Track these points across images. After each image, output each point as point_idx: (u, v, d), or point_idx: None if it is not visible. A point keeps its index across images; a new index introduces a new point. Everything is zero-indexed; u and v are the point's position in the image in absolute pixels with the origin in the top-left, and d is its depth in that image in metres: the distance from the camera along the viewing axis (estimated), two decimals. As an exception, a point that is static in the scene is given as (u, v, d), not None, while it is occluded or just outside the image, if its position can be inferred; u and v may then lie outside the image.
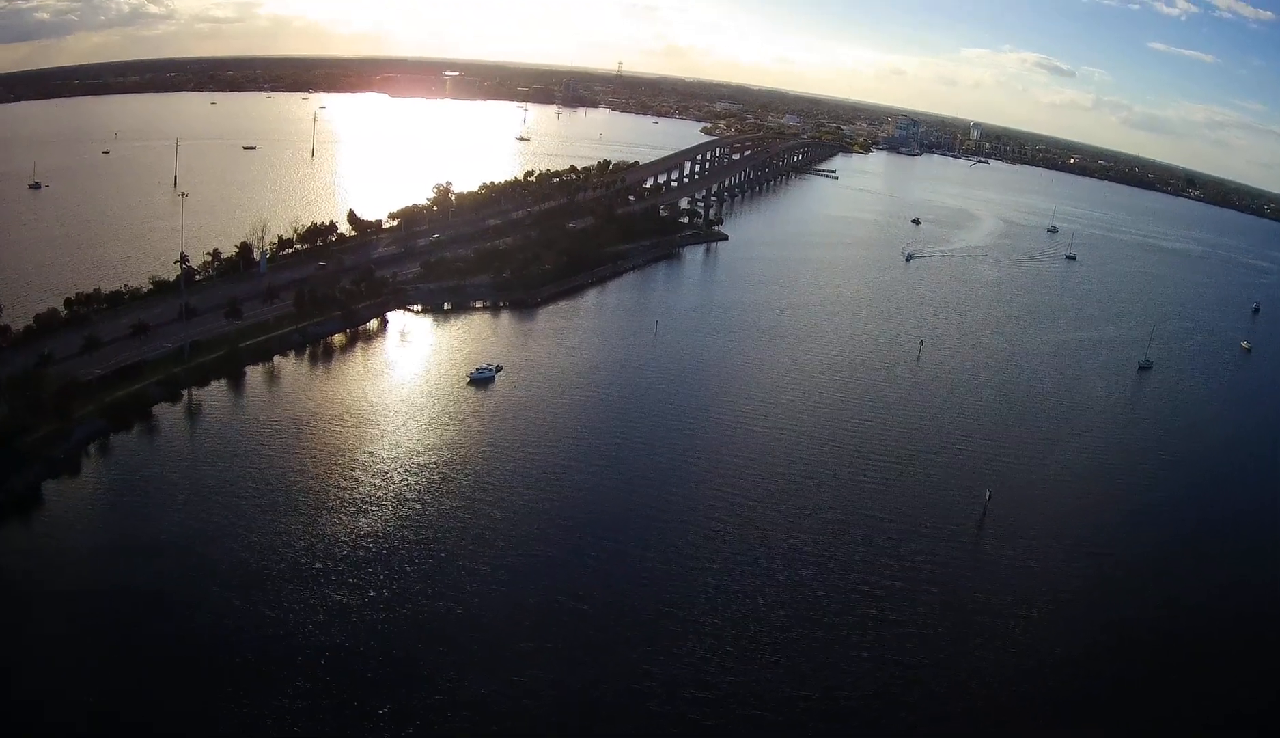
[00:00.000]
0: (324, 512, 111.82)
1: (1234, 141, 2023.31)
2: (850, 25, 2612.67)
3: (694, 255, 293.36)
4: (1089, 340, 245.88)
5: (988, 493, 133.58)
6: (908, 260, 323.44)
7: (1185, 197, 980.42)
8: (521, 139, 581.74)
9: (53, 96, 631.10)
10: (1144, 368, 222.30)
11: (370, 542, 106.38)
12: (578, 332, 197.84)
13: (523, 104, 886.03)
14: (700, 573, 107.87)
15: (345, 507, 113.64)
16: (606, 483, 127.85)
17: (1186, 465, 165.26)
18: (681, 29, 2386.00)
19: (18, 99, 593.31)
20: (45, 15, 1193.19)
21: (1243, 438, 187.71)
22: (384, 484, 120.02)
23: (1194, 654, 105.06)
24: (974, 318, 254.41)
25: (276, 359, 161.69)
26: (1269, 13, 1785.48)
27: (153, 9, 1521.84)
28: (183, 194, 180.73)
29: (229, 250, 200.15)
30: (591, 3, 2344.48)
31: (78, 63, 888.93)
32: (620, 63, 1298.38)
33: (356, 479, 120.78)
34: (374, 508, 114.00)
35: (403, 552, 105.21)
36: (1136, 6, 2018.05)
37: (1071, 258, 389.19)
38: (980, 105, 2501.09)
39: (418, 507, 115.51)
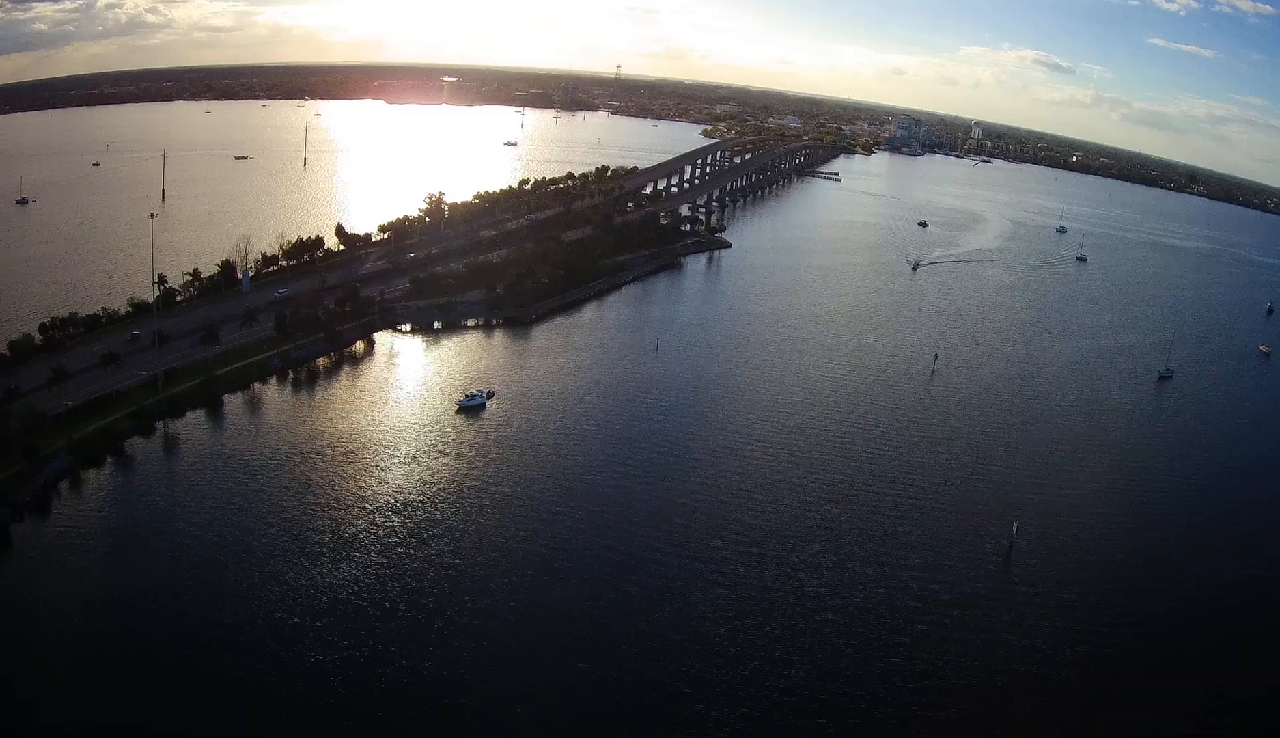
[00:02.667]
0: (302, 558, 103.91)
1: (1234, 136, 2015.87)
2: (850, 25, 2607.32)
3: (696, 265, 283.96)
4: (1107, 348, 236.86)
5: (1014, 526, 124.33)
6: (914, 269, 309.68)
7: (1189, 193, 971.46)
8: (509, 144, 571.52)
9: (48, 107, 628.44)
10: (1165, 377, 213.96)
11: (351, 593, 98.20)
12: (574, 350, 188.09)
13: (520, 109, 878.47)
14: (710, 623, 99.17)
15: (325, 552, 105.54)
16: (605, 523, 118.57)
17: (1219, 485, 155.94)
18: (682, 31, 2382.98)
19: (13, 110, 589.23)
20: (43, 26, 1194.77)
21: (1273, 452, 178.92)
22: (366, 526, 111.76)
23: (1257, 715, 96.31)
24: (988, 326, 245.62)
25: (256, 386, 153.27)
26: (1269, 7, 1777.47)
27: (151, 19, 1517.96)
28: (152, 215, 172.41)
29: (213, 268, 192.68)
30: (591, 6, 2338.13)
31: (75, 73, 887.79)
32: (619, 66, 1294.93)
33: (337, 521, 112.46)
34: (355, 554, 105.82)
35: (385, 604, 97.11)
36: (1136, 2, 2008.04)
37: (1083, 259, 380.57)
38: (980, 103, 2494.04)
39: (401, 552, 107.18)
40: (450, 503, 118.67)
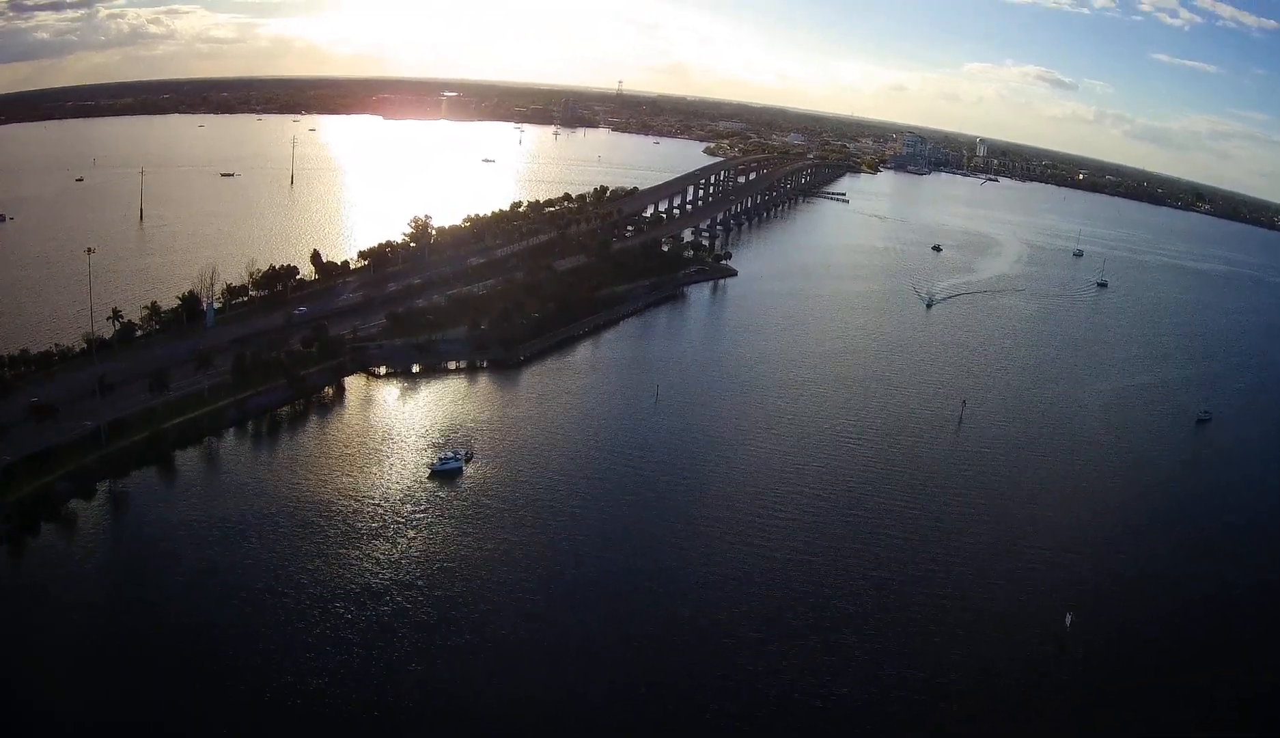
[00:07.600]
0: (251, 652, 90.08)
1: (1236, 152, 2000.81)
2: (851, 41, 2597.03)
3: (700, 295, 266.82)
4: (1140, 388, 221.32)
5: (1068, 617, 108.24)
6: (929, 307, 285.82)
7: (1196, 211, 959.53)
8: (487, 161, 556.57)
9: (45, 118, 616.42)
10: (1203, 420, 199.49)
11: (300, 709, 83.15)
12: (564, 399, 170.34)
13: (520, 125, 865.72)
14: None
15: (274, 650, 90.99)
16: (595, 615, 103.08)
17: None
18: (684, 46, 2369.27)
19: (8, 121, 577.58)
20: (45, 35, 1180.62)
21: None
22: (321, 618, 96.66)
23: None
24: (1014, 364, 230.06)
25: (209, 441, 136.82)
26: (1273, 21, 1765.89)
27: (153, 29, 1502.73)
28: (89, 250, 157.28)
29: (181, 294, 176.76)
30: (593, 20, 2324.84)
31: (76, 83, 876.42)
32: (620, 82, 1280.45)
33: (287, 609, 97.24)
34: (308, 654, 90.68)
35: (340, 718, 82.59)
36: (1139, 18, 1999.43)
37: (1103, 285, 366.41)
38: (982, 120, 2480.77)
39: (359, 651, 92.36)
40: (416, 589, 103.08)
